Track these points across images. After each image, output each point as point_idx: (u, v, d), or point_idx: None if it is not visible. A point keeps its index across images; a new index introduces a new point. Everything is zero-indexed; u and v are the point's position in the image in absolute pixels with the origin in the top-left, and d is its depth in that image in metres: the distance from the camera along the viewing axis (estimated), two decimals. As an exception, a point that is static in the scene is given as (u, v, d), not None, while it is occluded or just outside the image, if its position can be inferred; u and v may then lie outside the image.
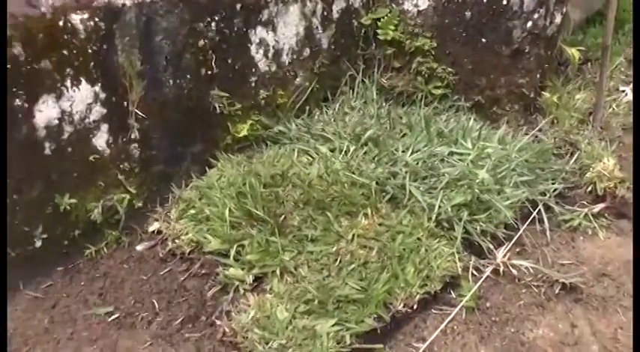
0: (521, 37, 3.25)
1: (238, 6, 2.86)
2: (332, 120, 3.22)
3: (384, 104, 3.40)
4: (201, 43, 2.76)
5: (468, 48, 3.33)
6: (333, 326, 2.13)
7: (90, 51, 2.40)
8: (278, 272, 2.36)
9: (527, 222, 2.75)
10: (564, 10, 3.36)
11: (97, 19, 2.39)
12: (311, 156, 2.95)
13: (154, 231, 2.72)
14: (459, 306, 2.36)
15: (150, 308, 2.41)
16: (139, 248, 2.69)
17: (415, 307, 2.33)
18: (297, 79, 3.27)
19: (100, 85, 2.47)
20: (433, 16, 3.35)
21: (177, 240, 2.61)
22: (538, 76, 3.39)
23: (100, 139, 2.54)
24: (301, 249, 2.43)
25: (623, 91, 3.82)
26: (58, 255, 2.54)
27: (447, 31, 3.34)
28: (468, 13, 3.28)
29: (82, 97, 2.42)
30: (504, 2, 3.20)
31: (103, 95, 2.49)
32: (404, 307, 2.29)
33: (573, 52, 3.59)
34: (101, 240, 2.66)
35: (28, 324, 2.31)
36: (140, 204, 2.74)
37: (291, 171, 2.80)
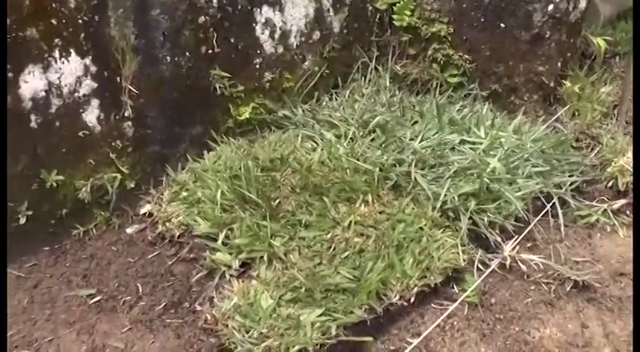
0: (541, 21, 3.07)
1: (243, -18, 2.74)
2: (340, 106, 3.08)
3: (397, 92, 3.25)
4: (201, 19, 2.65)
5: (486, 33, 3.16)
6: (319, 315, 1.99)
7: (80, 21, 2.31)
8: (266, 257, 2.23)
9: (539, 216, 2.57)
10: (589, -6, 3.18)
11: (88, -12, 2.29)
12: (315, 141, 2.82)
13: (145, 214, 2.63)
14: (459, 301, 2.20)
15: (133, 293, 2.32)
16: (128, 230, 2.60)
17: (413, 300, 2.18)
18: (306, 63, 3.13)
19: (90, 57, 2.37)
20: (450, 0, 3.18)
21: (167, 223, 2.51)
22: (559, 64, 3.20)
23: (91, 115, 2.44)
24: (293, 235, 2.30)
25: (654, 87, 3.61)
26: (45, 234, 2.46)
27: (464, 16, 3.18)
28: (486, -3, 3.11)
29: (71, 70, 2.32)
30: (524, -16, 3.04)
31: (93, 68, 2.40)
32: (400, 299, 2.14)
33: (599, 42, 3.39)
34: (90, 220, 2.57)
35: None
36: (132, 185, 2.64)
37: (292, 155, 2.67)
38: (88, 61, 2.36)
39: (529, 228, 2.49)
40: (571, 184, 2.73)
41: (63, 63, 2.29)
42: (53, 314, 2.21)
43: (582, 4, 3.14)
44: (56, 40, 2.25)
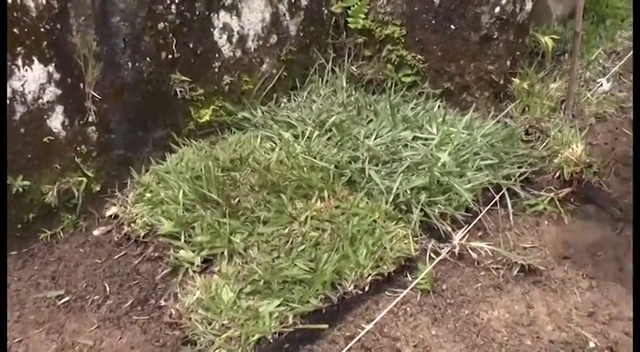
0: (489, 22, 3.21)
1: (200, -11, 2.83)
2: (298, 107, 3.18)
3: (353, 92, 3.36)
4: (160, 25, 2.72)
5: (438, 35, 3.29)
6: (277, 306, 2.09)
7: (42, 30, 2.36)
8: (227, 253, 2.32)
9: (488, 206, 2.69)
10: (534, -3, 3.33)
11: (49, -3, 2.35)
12: (274, 142, 2.92)
13: (111, 216, 2.69)
14: (410, 288, 2.31)
15: (101, 292, 2.39)
16: (95, 232, 2.66)
17: (367, 289, 2.29)
18: (264, 66, 3.23)
19: (53, 65, 2.43)
20: (402, 3, 3.31)
21: (132, 224, 2.58)
22: (508, 62, 3.33)
23: (55, 121, 2.50)
24: (252, 231, 2.39)
25: (600, 83, 3.77)
26: (12, 239, 2.51)
27: (416, 19, 3.30)
28: (436, 0, 3.24)
29: (34, 77, 2.38)
30: (472, -12, 3.17)
31: (57, 76, 2.45)
32: (354, 288, 2.24)
33: (546, 41, 3.54)
34: (57, 224, 2.63)
35: (-25, 307, 2.28)
36: (98, 188, 2.70)
37: (252, 155, 2.77)
38: (51, 68, 2.42)
39: (478, 217, 2.62)
40: (520, 175, 2.85)
41: (26, 70, 2.35)
42: (22, 315, 2.27)
43: (528, 6, 3.28)
44: (19, 49, 2.31)
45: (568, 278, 2.45)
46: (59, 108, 2.50)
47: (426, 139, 2.88)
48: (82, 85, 2.54)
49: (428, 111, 3.13)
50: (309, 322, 2.11)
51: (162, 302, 2.28)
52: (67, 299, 2.35)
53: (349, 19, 3.41)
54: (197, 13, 2.84)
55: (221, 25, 2.96)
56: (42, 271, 2.47)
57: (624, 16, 4.52)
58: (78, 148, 2.60)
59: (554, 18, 4.50)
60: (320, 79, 3.41)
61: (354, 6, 3.38)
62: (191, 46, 2.87)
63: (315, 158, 2.72)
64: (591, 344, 2.16)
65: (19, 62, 2.33)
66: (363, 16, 3.38)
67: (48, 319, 2.27)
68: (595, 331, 2.21)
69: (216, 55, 2.99)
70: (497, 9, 3.19)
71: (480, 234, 2.66)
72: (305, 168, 2.65)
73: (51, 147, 2.51)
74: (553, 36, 3.65)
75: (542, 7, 4.08)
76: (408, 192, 2.56)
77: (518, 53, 3.42)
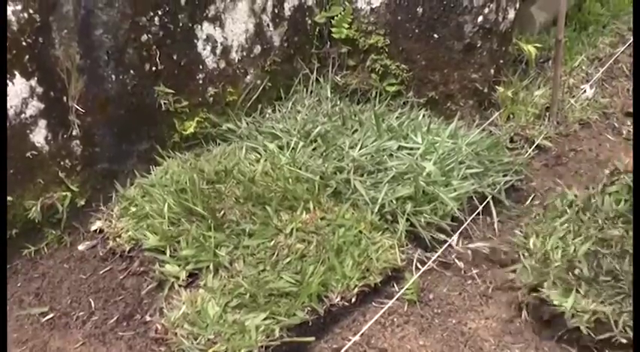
0: (472, 31, 3.23)
1: (183, 1, 2.81)
2: (283, 118, 3.18)
3: (337, 102, 3.36)
4: (144, 38, 2.72)
5: (421, 44, 3.31)
6: (264, 319, 2.08)
7: (24, 43, 2.35)
8: (212, 267, 2.31)
9: (473, 214, 2.70)
10: (517, 6, 3.34)
11: (31, 11, 2.33)
12: (259, 153, 2.91)
13: (96, 230, 2.68)
14: (395, 298, 2.31)
15: (86, 308, 2.37)
16: (80, 247, 2.64)
17: (354, 300, 2.28)
18: (248, 77, 3.22)
19: (36, 79, 2.41)
20: (386, 13, 3.32)
21: (117, 239, 2.57)
22: (492, 71, 3.35)
23: (38, 135, 2.48)
24: (238, 244, 2.39)
25: (583, 90, 3.79)
26: (-5, 255, 2.48)
27: (399, 28, 3.32)
28: (419, 9, 3.25)
29: (16, 92, 2.36)
30: (455, -3, 3.19)
31: (39, 90, 2.44)
32: (341, 300, 2.24)
33: (529, 48, 3.57)
34: (41, 239, 2.61)
35: (-44, 326, 2.25)
36: (83, 203, 2.69)
37: (237, 167, 2.76)
38: (33, 82, 2.40)
39: (463, 226, 2.62)
40: (505, 183, 2.86)
41: (8, 85, 2.33)
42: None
43: (511, 15, 3.30)
44: (0, 63, 2.30)
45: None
46: (42, 123, 2.48)
47: (411, 149, 2.88)
48: (65, 98, 2.52)
49: (413, 120, 3.14)
50: (295, 335, 2.10)
51: (148, 318, 2.27)
52: (51, 316, 2.33)
53: (333, 29, 3.42)
54: (180, 24, 2.84)
55: (204, 37, 2.96)
56: (25, 288, 2.45)
57: (606, 23, 4.56)
58: (62, 162, 2.59)
59: (538, 26, 4.54)
60: (304, 89, 3.41)
61: (337, 16, 3.39)
62: (175, 57, 2.86)
63: (300, 169, 2.72)
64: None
65: (1, 76, 2.31)
66: (346, 25, 3.39)
67: (31, 337, 2.25)
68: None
69: (200, 67, 2.99)
70: (480, 18, 3.21)
71: (465, 242, 2.65)
72: (290, 180, 2.65)
73: (34, 162, 2.49)
74: (536, 44, 3.68)
75: (525, 15, 4.11)
76: (394, 202, 2.56)
77: (501, 61, 3.44)
